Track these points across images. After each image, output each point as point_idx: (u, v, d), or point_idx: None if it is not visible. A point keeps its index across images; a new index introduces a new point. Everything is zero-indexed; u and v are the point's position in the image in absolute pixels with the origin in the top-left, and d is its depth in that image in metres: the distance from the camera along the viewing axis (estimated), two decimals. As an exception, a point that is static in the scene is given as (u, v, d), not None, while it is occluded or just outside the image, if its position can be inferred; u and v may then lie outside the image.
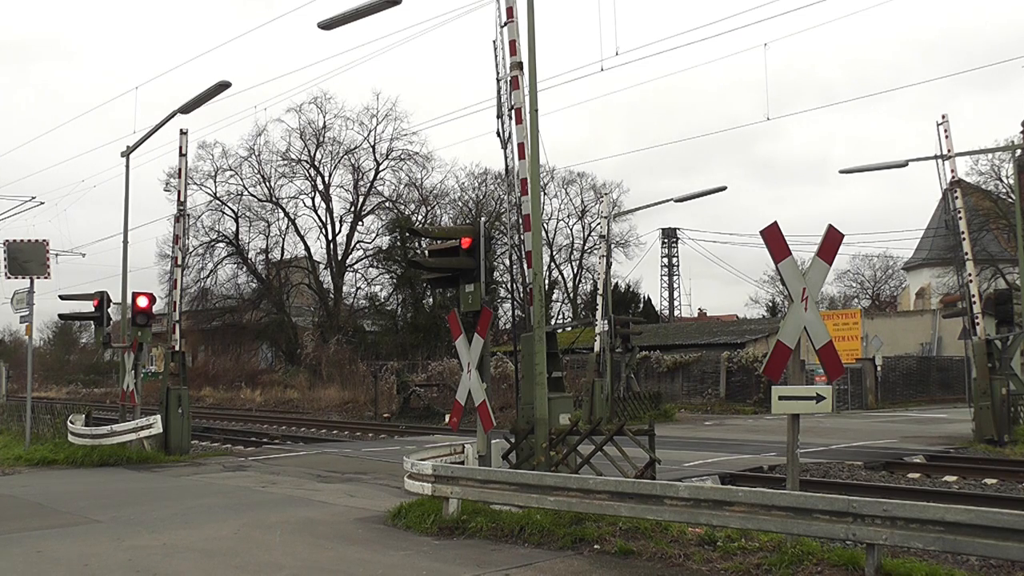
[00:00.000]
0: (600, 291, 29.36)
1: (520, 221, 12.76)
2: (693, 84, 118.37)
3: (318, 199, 54.88)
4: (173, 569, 8.38)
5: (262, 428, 30.58)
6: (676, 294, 71.37)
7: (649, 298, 67.00)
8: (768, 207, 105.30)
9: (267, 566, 8.45)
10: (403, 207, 54.33)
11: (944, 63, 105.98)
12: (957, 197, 21.16)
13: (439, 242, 12.47)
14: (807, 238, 37.58)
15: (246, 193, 53.76)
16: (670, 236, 70.50)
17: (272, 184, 54.08)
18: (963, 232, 20.91)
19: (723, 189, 28.10)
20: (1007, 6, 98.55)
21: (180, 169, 20.40)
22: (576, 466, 11.61)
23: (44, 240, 19.47)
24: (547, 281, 56.10)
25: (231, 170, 53.27)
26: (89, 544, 9.57)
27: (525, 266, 12.60)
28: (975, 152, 37.87)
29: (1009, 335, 20.67)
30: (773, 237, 8.49)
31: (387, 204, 54.86)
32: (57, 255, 28.23)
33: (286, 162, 53.70)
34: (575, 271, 65.83)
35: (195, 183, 51.43)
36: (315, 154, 53.89)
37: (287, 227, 55.09)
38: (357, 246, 55.52)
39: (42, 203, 31.13)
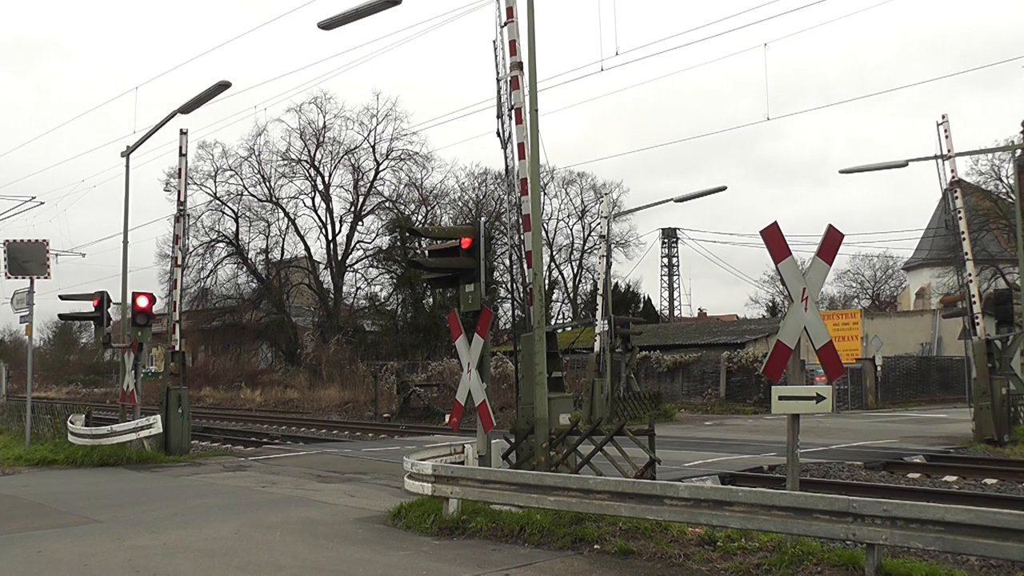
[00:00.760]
0: (600, 291, 29.37)
1: (520, 221, 12.76)
2: (693, 84, 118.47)
3: (318, 199, 54.98)
4: (173, 569, 8.38)
5: (262, 428, 30.58)
6: (676, 294, 71.48)
7: (649, 298, 67.10)
8: (768, 207, 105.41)
9: (267, 566, 8.45)
10: (403, 207, 54.37)
11: (944, 63, 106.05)
12: (957, 197, 21.16)
13: (439, 242, 12.47)
14: (807, 238, 37.68)
15: (246, 193, 53.87)
16: (670, 236, 70.58)
17: (272, 184, 54.18)
18: (963, 232, 20.91)
19: (723, 189, 28.12)
20: (1007, 6, 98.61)
21: (180, 169, 20.40)
22: (576, 466, 11.61)
23: (44, 240, 19.48)
24: (547, 281, 56.10)
25: (231, 170, 53.37)
26: (89, 544, 9.57)
27: (525, 266, 12.60)
28: (975, 152, 37.92)
29: (1009, 335, 20.66)
30: (773, 237, 8.49)
31: (387, 204, 54.92)
32: (57, 255, 28.28)
33: (286, 162, 53.78)
34: (575, 271, 65.93)
35: (195, 183, 51.54)
36: (315, 154, 53.95)
37: (287, 227, 55.20)
38: (357, 246, 55.59)
39: (42, 203, 31.18)
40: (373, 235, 55.37)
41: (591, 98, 49.15)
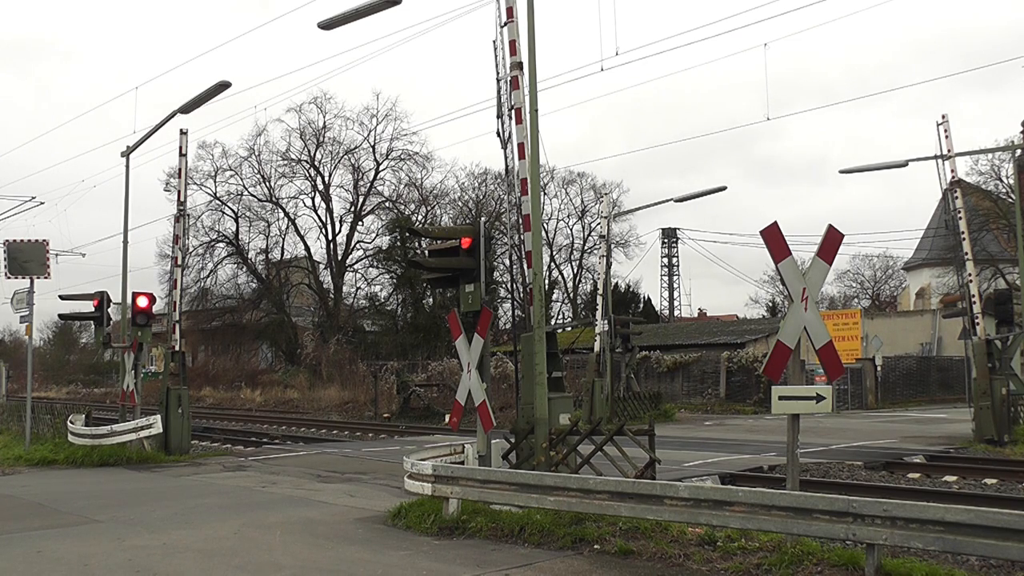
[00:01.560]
0: (600, 291, 29.36)
1: (520, 221, 12.75)
2: (693, 84, 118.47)
3: (318, 199, 55.00)
4: (173, 569, 8.38)
5: (262, 428, 30.58)
6: (676, 294, 71.45)
7: (649, 298, 67.09)
8: (768, 207, 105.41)
9: (267, 566, 8.45)
10: (403, 207, 54.38)
11: (944, 63, 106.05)
12: (957, 197, 21.15)
13: (439, 242, 12.46)
14: (807, 238, 37.67)
15: (246, 193, 53.88)
16: (670, 236, 70.55)
17: (272, 184, 54.19)
18: (963, 232, 20.91)
19: (723, 189, 28.12)
20: (1007, 6, 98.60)
21: (180, 169, 20.40)
22: (576, 466, 11.61)
23: (44, 240, 19.48)
24: (547, 281, 56.09)
25: (231, 170, 53.38)
26: (89, 544, 9.57)
27: (525, 266, 12.60)
28: (975, 152, 37.92)
29: (1009, 335, 20.66)
30: (773, 237, 8.49)
31: (387, 204, 54.94)
32: (57, 255, 28.27)
33: (286, 162, 53.79)
34: (575, 271, 65.93)
35: (195, 183, 51.55)
36: (315, 154, 53.96)
37: (287, 227, 55.21)
38: (357, 246, 55.61)
39: (42, 203, 31.17)
40: (373, 235, 55.48)
41: (591, 98, 49.21)
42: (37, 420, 21.61)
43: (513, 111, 12.74)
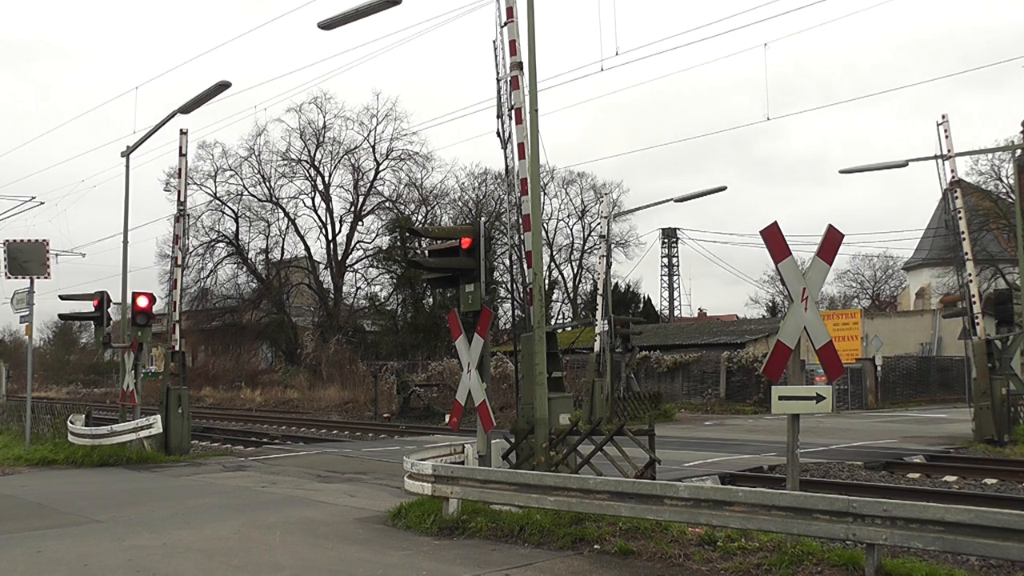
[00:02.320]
0: (600, 291, 29.36)
1: (520, 221, 12.75)
2: (693, 84, 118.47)
3: (318, 199, 54.99)
4: (173, 569, 8.38)
5: (262, 428, 30.58)
6: (676, 294, 71.43)
7: (649, 298, 67.06)
8: (768, 207, 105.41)
9: (267, 566, 8.45)
10: (403, 207, 54.38)
11: (944, 63, 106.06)
12: (957, 197, 21.15)
13: (439, 242, 12.46)
14: (807, 238, 37.70)
15: (246, 193, 53.88)
16: (670, 236, 70.52)
17: (272, 184, 54.19)
18: (963, 232, 20.91)
19: (723, 189, 28.10)
20: (1007, 6, 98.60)
21: (180, 169, 20.40)
22: (576, 466, 11.61)
23: (44, 240, 19.48)
24: (547, 281, 56.09)
25: (231, 170, 53.37)
26: (89, 544, 9.57)
27: (525, 266, 12.60)
28: (975, 152, 37.93)
29: (1009, 335, 20.66)
30: (773, 237, 8.49)
31: (387, 204, 54.94)
32: (57, 255, 28.29)
33: (286, 162, 53.79)
34: (575, 271, 65.92)
35: (195, 183, 51.54)
36: (315, 154, 53.96)
37: (287, 227, 55.21)
38: (357, 246, 55.60)
39: (42, 203, 31.13)
40: (373, 235, 55.48)
41: (591, 98, 49.19)
42: (37, 420, 21.61)
43: (513, 111, 12.74)
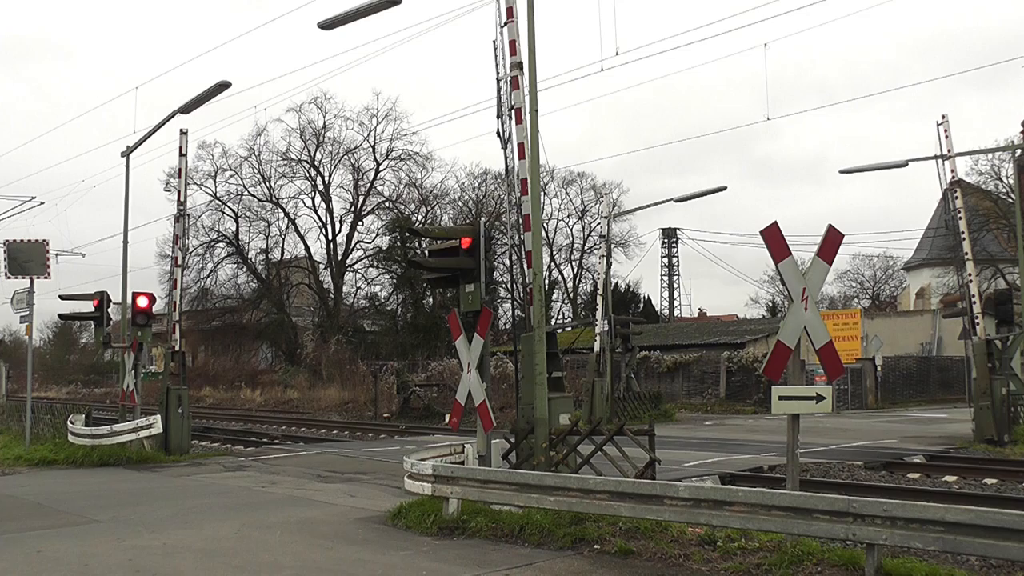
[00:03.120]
0: (600, 291, 29.36)
1: (520, 221, 12.76)
2: (693, 84, 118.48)
3: (318, 199, 55.00)
4: (173, 569, 8.38)
5: (262, 428, 30.58)
6: (676, 294, 71.47)
7: (649, 298, 67.09)
8: (768, 207, 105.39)
9: (267, 566, 8.45)
10: (403, 207, 54.38)
11: (943, 63, 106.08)
12: (957, 197, 21.15)
13: (439, 242, 12.46)
14: (807, 238, 37.65)
15: (246, 193, 53.90)
16: (670, 236, 70.54)
17: (272, 184, 54.20)
18: (963, 232, 20.90)
19: (723, 189, 28.10)
20: (1007, 6, 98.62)
21: (180, 169, 20.40)
22: (576, 466, 11.61)
23: (44, 240, 19.48)
24: (547, 281, 56.10)
25: (231, 170, 53.38)
26: (89, 544, 9.57)
27: (525, 266, 12.60)
28: (975, 152, 37.92)
29: (1009, 335, 20.65)
30: (773, 237, 8.49)
31: (387, 204, 54.93)
32: (57, 255, 28.22)
33: (286, 162, 53.80)
34: (575, 271, 65.93)
35: (195, 183, 51.55)
36: (315, 154, 53.97)
37: (287, 227, 55.21)
38: (357, 246, 55.61)
39: (42, 203, 31.11)
40: (373, 235, 55.47)
41: (591, 98, 49.12)
42: (37, 420, 21.60)
43: (513, 111, 12.74)
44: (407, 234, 47.43)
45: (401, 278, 50.34)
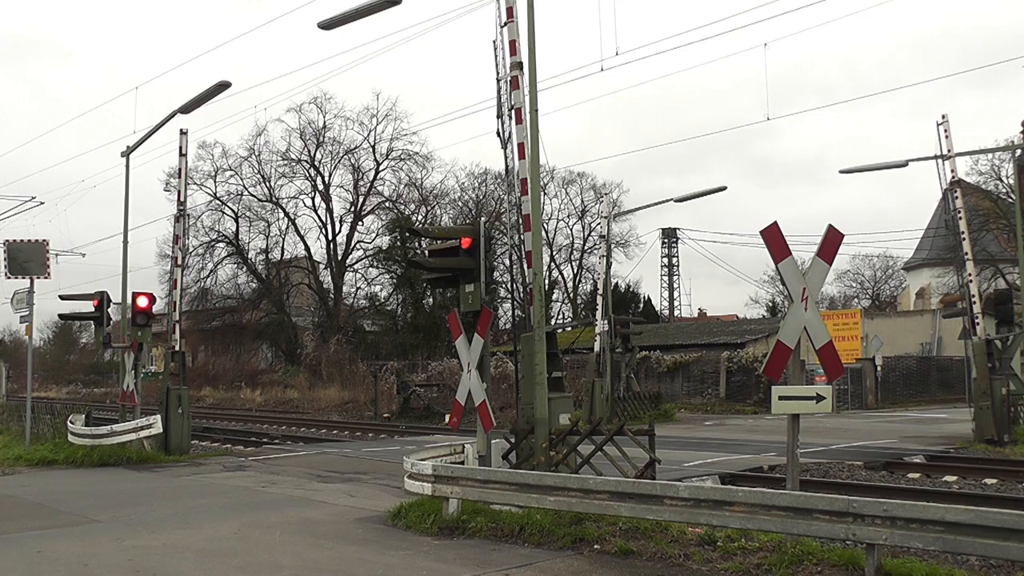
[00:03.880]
0: (600, 291, 29.36)
1: (520, 221, 12.76)
2: (692, 84, 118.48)
3: (318, 199, 55.01)
4: (173, 569, 8.38)
5: (262, 428, 30.58)
6: (676, 294, 71.38)
7: (649, 298, 67.07)
8: (768, 207, 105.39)
9: (267, 566, 8.45)
10: (403, 207, 54.39)
11: (943, 63, 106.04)
12: (957, 197, 21.15)
13: (439, 242, 12.46)
14: (807, 238, 37.60)
15: (246, 193, 53.91)
16: (670, 236, 70.47)
17: (272, 184, 54.21)
18: (963, 232, 20.90)
19: (723, 189, 28.09)
20: (1007, 6, 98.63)
21: (180, 169, 20.40)
22: (576, 466, 11.61)
23: (44, 240, 19.48)
24: (547, 281, 56.09)
25: (231, 170, 53.40)
26: (89, 544, 9.57)
27: (525, 266, 12.60)
28: (975, 152, 37.89)
29: (1009, 335, 20.65)
30: (773, 237, 8.49)
31: (387, 204, 54.95)
32: (57, 255, 28.21)
33: (286, 162, 53.81)
34: (575, 271, 65.92)
35: (195, 183, 51.56)
36: (315, 154, 53.98)
37: (287, 227, 55.23)
38: (357, 246, 55.61)
39: (42, 203, 31.09)
40: (373, 235, 55.48)
41: (591, 98, 49.13)
42: (37, 420, 21.61)
43: (513, 111, 12.74)
44: (407, 234, 47.44)
45: (401, 278, 50.35)
